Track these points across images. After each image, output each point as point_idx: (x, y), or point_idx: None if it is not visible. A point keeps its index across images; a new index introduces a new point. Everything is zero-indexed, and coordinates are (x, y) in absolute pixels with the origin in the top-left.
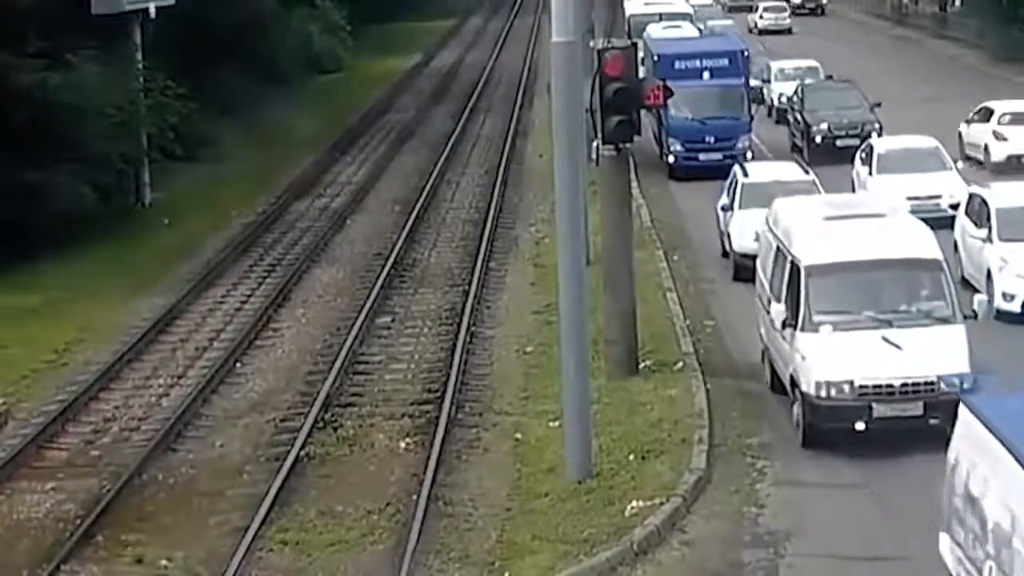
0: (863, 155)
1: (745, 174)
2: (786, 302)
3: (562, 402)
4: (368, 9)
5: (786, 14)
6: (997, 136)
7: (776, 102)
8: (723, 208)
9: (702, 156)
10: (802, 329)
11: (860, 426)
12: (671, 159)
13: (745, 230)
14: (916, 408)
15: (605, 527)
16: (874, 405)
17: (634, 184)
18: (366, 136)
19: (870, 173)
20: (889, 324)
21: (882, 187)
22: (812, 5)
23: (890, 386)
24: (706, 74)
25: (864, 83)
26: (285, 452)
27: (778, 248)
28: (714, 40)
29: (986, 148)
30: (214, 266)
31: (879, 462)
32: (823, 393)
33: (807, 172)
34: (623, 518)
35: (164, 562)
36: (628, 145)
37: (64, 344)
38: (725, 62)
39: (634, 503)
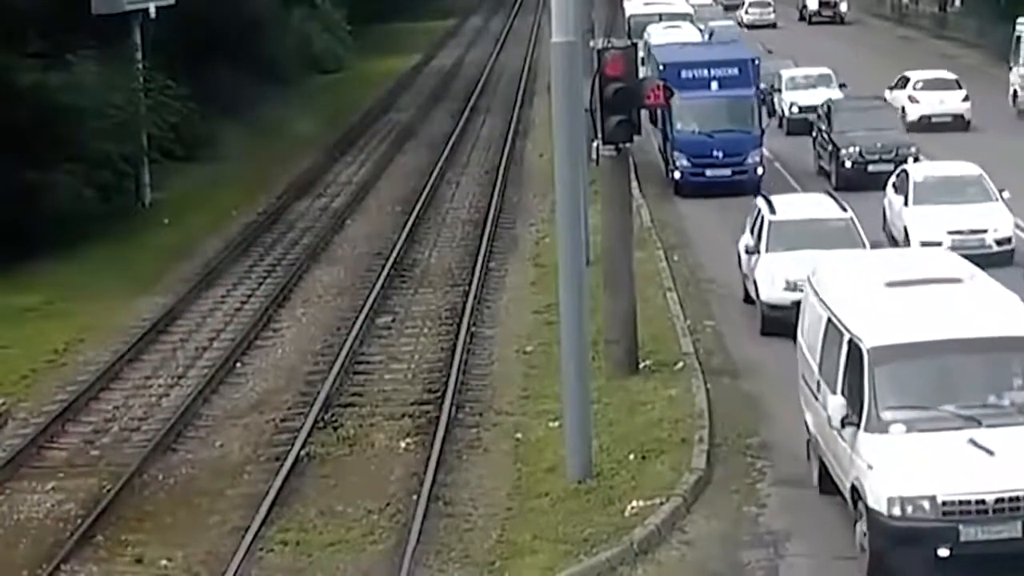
0: (897, 183)
1: (772, 210)
2: (844, 393)
3: (562, 402)
4: (368, 9)
5: (770, 9)
6: (911, 99)
7: (787, 112)
8: (747, 250)
9: (709, 172)
10: (867, 429)
11: (944, 552)
12: (677, 175)
13: (775, 277)
14: (1014, 529)
15: (605, 527)
16: (961, 527)
17: (634, 184)
18: (366, 136)
19: (905, 203)
20: (977, 422)
21: (919, 219)
22: (830, 14)
23: (981, 502)
24: (714, 84)
25: (863, 82)
26: (285, 452)
27: (829, 321)
28: (722, 48)
29: (903, 110)
30: (214, 266)
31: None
32: (897, 511)
33: (843, 208)
34: (623, 518)
35: (164, 562)
36: (628, 145)
37: (64, 344)
38: (734, 71)
39: (634, 503)
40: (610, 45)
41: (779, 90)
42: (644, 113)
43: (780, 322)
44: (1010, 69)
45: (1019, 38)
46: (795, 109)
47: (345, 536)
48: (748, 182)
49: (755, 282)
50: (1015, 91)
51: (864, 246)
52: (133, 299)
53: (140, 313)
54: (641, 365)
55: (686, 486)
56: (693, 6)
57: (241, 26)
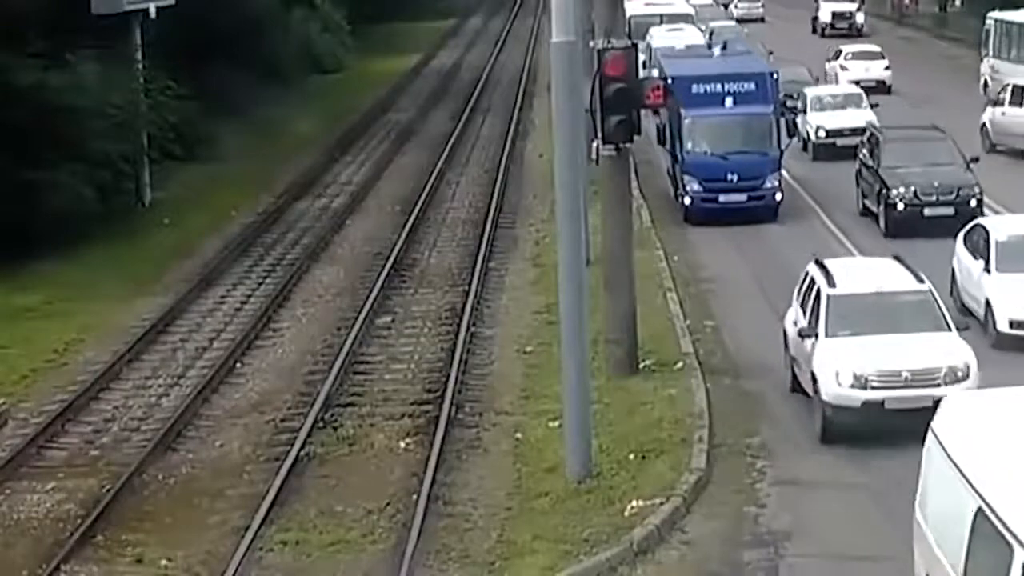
0: (971, 240)
1: (830, 281)
2: None
3: (562, 402)
4: (368, 9)
5: (759, 4)
6: (842, 67)
7: (813, 136)
8: (801, 333)
9: (723, 198)
10: None
11: None
12: (687, 200)
13: (840, 370)
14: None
15: (605, 527)
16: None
17: (634, 184)
18: (366, 136)
19: (986, 270)
20: None
21: (1007, 293)
22: (845, 25)
23: None
24: (728, 100)
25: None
26: (285, 452)
27: (980, 514)
28: (737, 60)
29: (836, 76)
30: (214, 266)
31: (879, 462)
32: None
33: (919, 278)
34: (623, 518)
35: (164, 562)
36: (628, 145)
37: (64, 344)
38: (750, 86)
39: (634, 503)
40: (610, 45)
41: (804, 111)
42: (651, 132)
43: (847, 428)
44: (981, 60)
45: (988, 31)
46: (822, 133)
47: (345, 536)
48: (765, 209)
49: (812, 374)
50: (985, 80)
51: (948, 327)
52: (133, 299)
53: (140, 313)
54: (641, 365)
55: (686, 486)
56: (694, 6)
57: (241, 26)
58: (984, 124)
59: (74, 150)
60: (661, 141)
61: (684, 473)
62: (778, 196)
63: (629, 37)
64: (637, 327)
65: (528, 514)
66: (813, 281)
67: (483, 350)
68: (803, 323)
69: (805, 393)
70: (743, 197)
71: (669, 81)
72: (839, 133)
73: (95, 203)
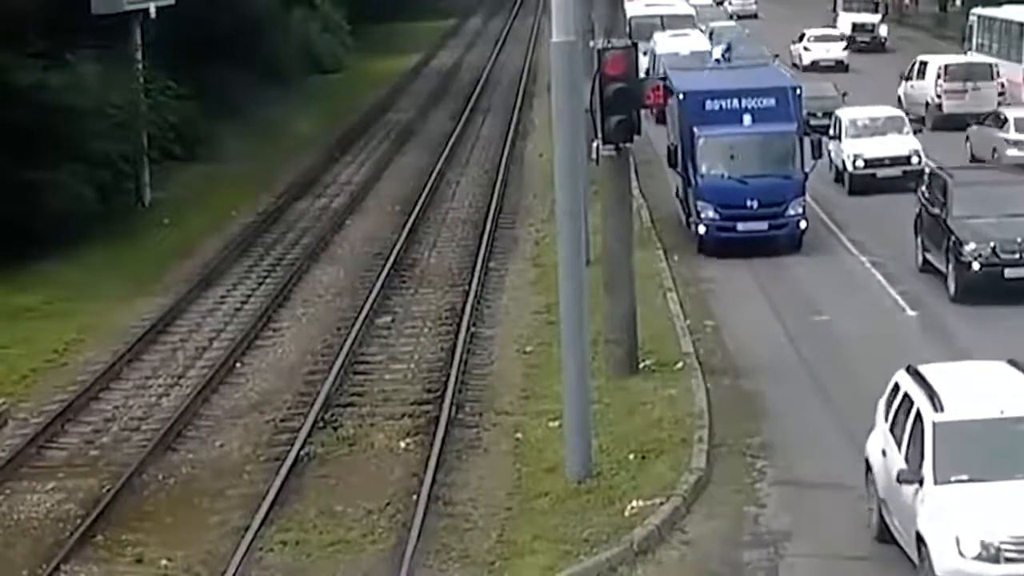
0: None
1: (935, 403)
2: None
3: (562, 402)
4: (368, 9)
5: (752, 0)
6: (805, 48)
7: (850, 166)
8: (900, 478)
9: (741, 226)
10: None
11: None
12: (701, 229)
13: (961, 535)
14: None
15: (605, 527)
16: None
17: (634, 184)
18: (366, 136)
19: None
20: None
21: None
22: (867, 39)
23: None
24: (747, 118)
25: (864, 80)
26: (285, 452)
27: None
28: (755, 73)
29: (800, 56)
30: (214, 266)
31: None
32: None
33: None
34: (623, 518)
35: (164, 562)
36: (628, 145)
37: (64, 344)
38: (771, 102)
39: (634, 503)
40: (610, 45)
41: (837, 137)
42: (660, 151)
43: None
44: (965, 54)
45: (971, 27)
46: (860, 163)
47: (345, 536)
48: (788, 238)
49: (920, 538)
50: None
51: None
52: (133, 299)
53: (140, 313)
54: (641, 365)
55: (686, 486)
56: (694, 7)
57: (241, 26)
58: (899, 96)
59: (74, 150)
60: (672, 163)
61: (684, 473)
62: (802, 224)
63: (630, 39)
64: (637, 327)
65: (528, 514)
66: (908, 399)
67: (483, 350)
68: (898, 459)
69: (898, 543)
70: (764, 225)
71: (681, 97)
72: (879, 163)
73: (95, 203)
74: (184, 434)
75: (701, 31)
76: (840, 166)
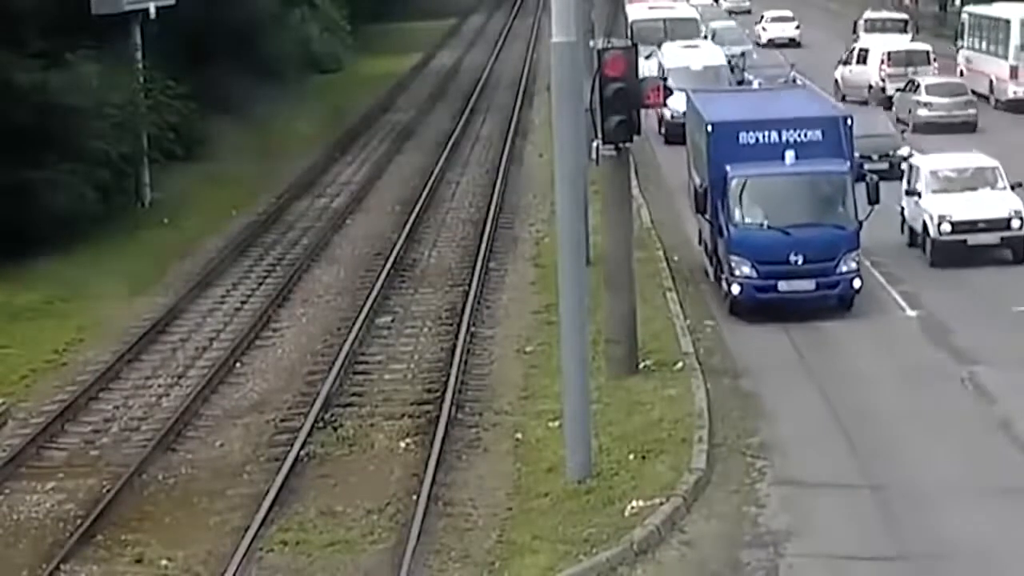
0: None
1: None
2: None
3: (562, 402)
4: (368, 9)
5: None
6: (763, 29)
7: (934, 230)
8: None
9: (784, 285)
10: None
11: None
12: (735, 289)
13: None
14: None
15: (605, 527)
16: None
17: (634, 184)
18: (366, 136)
19: None
20: None
21: None
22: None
23: None
24: (789, 154)
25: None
26: (285, 452)
27: None
28: (795, 99)
29: (759, 35)
30: (214, 266)
31: (879, 462)
32: None
33: None
34: (623, 518)
35: (164, 562)
36: (628, 145)
37: (64, 344)
38: (817, 134)
39: (634, 503)
40: (610, 45)
41: (913, 192)
42: (684, 193)
43: None
44: (957, 51)
45: (963, 24)
46: (946, 227)
47: (345, 536)
48: (840, 299)
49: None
50: (961, 71)
51: None
52: (133, 299)
53: (140, 313)
54: (641, 365)
55: (686, 486)
56: (694, 7)
57: (241, 26)
58: (836, 79)
59: (74, 150)
60: (700, 208)
61: (684, 473)
62: (856, 283)
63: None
64: (637, 327)
65: (528, 514)
66: None
67: (483, 350)
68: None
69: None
70: (810, 285)
71: (708, 129)
72: (971, 227)
73: (95, 203)
74: (184, 434)
75: (705, 37)
76: (918, 229)
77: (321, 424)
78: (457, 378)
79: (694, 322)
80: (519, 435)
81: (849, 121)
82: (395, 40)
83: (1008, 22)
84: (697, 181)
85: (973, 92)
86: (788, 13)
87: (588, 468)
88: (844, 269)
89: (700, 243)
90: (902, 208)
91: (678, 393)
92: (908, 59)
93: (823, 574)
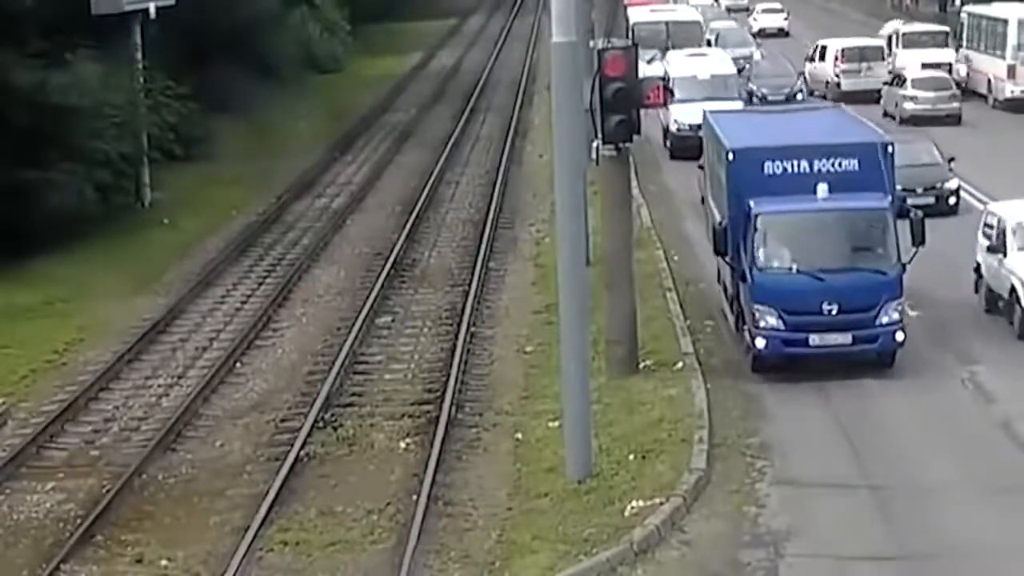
0: None
1: None
2: None
3: (562, 402)
4: (368, 9)
5: None
6: (754, 19)
7: None
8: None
9: (816, 339)
10: None
11: None
12: (759, 342)
13: None
14: None
15: (605, 527)
16: None
17: (634, 184)
18: (366, 136)
19: None
20: None
21: None
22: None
23: None
24: (822, 187)
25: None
26: (285, 452)
27: None
28: (830, 122)
29: (750, 26)
30: (214, 266)
31: (879, 461)
32: None
33: None
34: (623, 518)
35: (164, 562)
36: (628, 145)
37: (64, 344)
38: (853, 164)
39: (634, 503)
40: (610, 45)
41: (997, 247)
42: (701, 234)
43: None
44: (956, 51)
45: (962, 24)
46: None
47: (345, 536)
48: (880, 355)
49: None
50: (958, 70)
51: None
52: (133, 299)
53: (140, 313)
54: (641, 365)
55: (686, 486)
56: (696, 7)
57: (241, 26)
58: (803, 74)
59: (74, 150)
60: (720, 249)
61: (684, 473)
62: (899, 336)
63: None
64: (637, 327)
65: (528, 514)
66: None
67: (483, 350)
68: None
69: None
70: (847, 338)
71: (729, 157)
72: None
73: (95, 203)
74: (184, 434)
75: (709, 42)
76: (1003, 294)
77: (321, 424)
78: (457, 378)
79: (694, 322)
80: (519, 435)
81: (891, 148)
82: (395, 40)
83: (1006, 22)
84: (716, 217)
85: (974, 92)
86: (777, 5)
87: (588, 468)
88: (885, 320)
89: (719, 281)
90: (977, 265)
91: (678, 393)
92: (861, 55)
93: (823, 574)
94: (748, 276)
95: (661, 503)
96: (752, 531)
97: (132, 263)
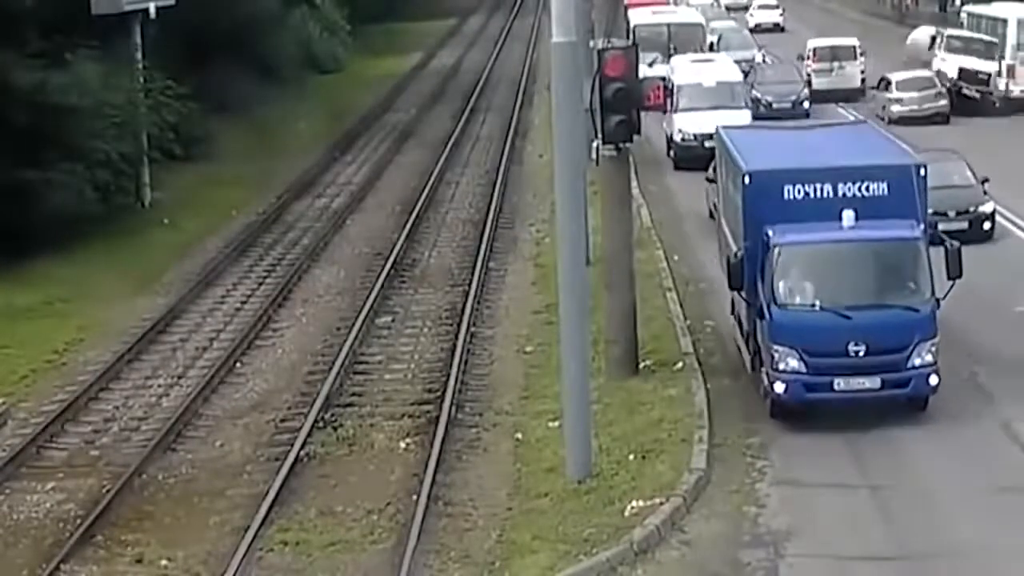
0: None
1: None
2: None
3: (562, 402)
4: (368, 9)
5: None
6: (751, 15)
7: None
8: None
9: (842, 383)
10: None
11: None
12: (778, 387)
13: None
14: None
15: (605, 527)
16: None
17: (634, 184)
18: (366, 136)
19: None
20: None
21: None
22: (979, 91)
23: None
24: (847, 214)
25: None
26: (285, 452)
27: None
28: (855, 141)
29: (747, 21)
30: (214, 266)
31: (879, 462)
32: None
33: None
34: (623, 518)
35: (164, 562)
36: (628, 145)
37: (64, 344)
38: (882, 188)
39: (634, 503)
40: (610, 45)
41: None
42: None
43: None
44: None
45: (962, 23)
46: None
47: (345, 536)
48: (912, 400)
49: None
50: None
51: None
52: (133, 299)
53: (140, 313)
54: (641, 365)
55: (686, 486)
56: (697, 8)
57: (241, 26)
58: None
59: (74, 150)
60: (735, 284)
61: (684, 473)
62: (933, 380)
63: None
64: (637, 327)
65: (528, 514)
66: None
67: (483, 350)
68: None
69: None
70: (875, 383)
71: (745, 180)
72: None
73: (95, 203)
74: (184, 434)
75: (736, 63)
76: None
77: (321, 424)
78: (457, 378)
79: (694, 322)
80: (519, 435)
81: (923, 171)
82: (395, 40)
83: (1006, 21)
84: (732, 246)
85: (975, 91)
86: (773, 1)
87: (588, 468)
88: (917, 362)
89: (732, 313)
90: None
91: (678, 393)
92: (833, 54)
93: (823, 574)
94: (766, 313)
95: (661, 503)
96: (752, 531)
97: (132, 263)
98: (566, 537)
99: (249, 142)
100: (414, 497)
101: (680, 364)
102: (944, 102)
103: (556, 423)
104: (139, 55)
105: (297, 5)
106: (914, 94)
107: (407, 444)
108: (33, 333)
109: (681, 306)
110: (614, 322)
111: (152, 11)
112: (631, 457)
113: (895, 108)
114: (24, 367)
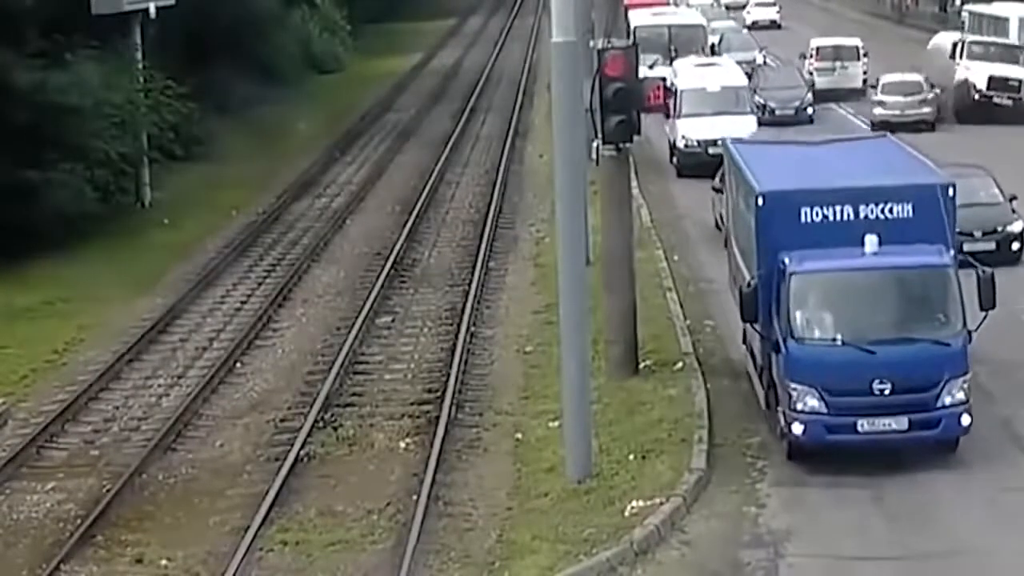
0: None
1: None
2: None
3: (562, 402)
4: (368, 9)
5: None
6: (748, 13)
7: None
8: None
9: (865, 423)
10: None
11: None
12: (796, 428)
13: None
14: None
15: (605, 527)
16: None
17: (634, 184)
18: (366, 136)
19: None
20: None
21: None
22: (1008, 99)
23: None
24: (870, 239)
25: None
26: (285, 452)
27: None
28: (877, 157)
29: (744, 19)
30: (214, 266)
31: (879, 462)
32: None
33: None
34: (623, 518)
35: (164, 562)
36: (628, 145)
37: (64, 344)
38: (907, 210)
39: (634, 503)
40: (610, 45)
41: None
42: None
43: None
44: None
45: (963, 23)
46: None
47: (345, 536)
48: (941, 442)
49: None
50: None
51: None
52: (133, 299)
53: (140, 313)
54: (641, 365)
55: (686, 486)
56: (698, 8)
57: (241, 26)
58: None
59: (74, 150)
60: (749, 316)
61: (684, 473)
62: (964, 420)
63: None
64: (637, 327)
65: (528, 514)
66: None
67: (483, 350)
68: None
69: None
70: (902, 423)
71: (759, 202)
72: None
73: (95, 203)
74: (184, 434)
75: (740, 66)
76: None
77: (321, 424)
78: (457, 378)
79: (694, 322)
80: (519, 435)
81: (951, 191)
82: (395, 40)
83: (1007, 20)
84: (744, 272)
85: (1007, 99)
86: (771, 0)
87: (588, 468)
88: (948, 401)
89: (744, 342)
90: None
91: (678, 393)
92: (836, 54)
93: (823, 574)
94: (782, 347)
95: (661, 503)
96: (752, 531)
97: (132, 263)
98: (566, 537)
99: (249, 142)
100: (414, 497)
101: (680, 364)
102: (928, 109)
103: (556, 423)
104: (139, 55)
105: (297, 5)
106: (899, 98)
107: (407, 444)
108: (33, 333)
109: (681, 306)
110: (614, 322)
111: (152, 11)
112: (631, 457)
113: (877, 111)
114: (24, 367)
